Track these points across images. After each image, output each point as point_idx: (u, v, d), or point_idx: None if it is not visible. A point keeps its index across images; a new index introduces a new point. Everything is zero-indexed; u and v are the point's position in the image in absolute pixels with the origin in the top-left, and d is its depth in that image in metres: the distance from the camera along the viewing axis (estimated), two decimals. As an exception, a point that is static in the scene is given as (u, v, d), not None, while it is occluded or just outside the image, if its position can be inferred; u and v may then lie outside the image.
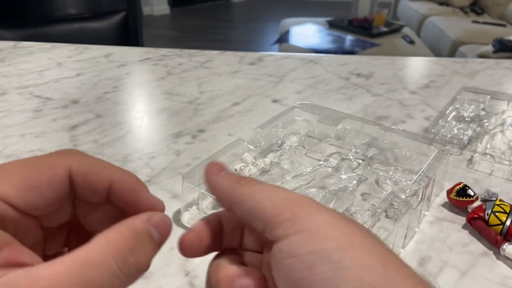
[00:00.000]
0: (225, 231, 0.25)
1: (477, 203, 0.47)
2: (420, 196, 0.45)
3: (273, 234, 0.21)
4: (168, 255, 0.41)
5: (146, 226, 0.21)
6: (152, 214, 0.22)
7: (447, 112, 0.69)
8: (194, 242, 0.24)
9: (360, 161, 0.56)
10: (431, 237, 0.46)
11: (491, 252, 0.44)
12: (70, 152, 0.23)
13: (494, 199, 0.47)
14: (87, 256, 0.18)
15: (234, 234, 0.26)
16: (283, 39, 3.27)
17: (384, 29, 3.37)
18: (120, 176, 0.23)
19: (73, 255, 0.18)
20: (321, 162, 0.55)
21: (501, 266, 0.42)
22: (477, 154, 0.59)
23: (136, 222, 0.21)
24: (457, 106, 0.71)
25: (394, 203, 0.44)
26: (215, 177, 0.24)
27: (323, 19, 3.60)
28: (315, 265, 0.19)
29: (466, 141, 0.62)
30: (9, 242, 0.19)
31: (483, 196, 0.48)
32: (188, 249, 0.24)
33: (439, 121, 0.66)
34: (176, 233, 0.49)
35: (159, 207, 0.23)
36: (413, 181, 0.47)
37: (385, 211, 0.43)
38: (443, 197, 0.51)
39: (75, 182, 0.22)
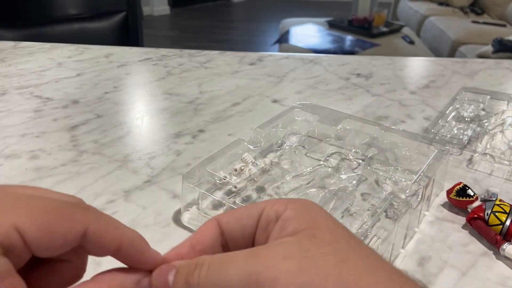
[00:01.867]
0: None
1: (477, 203, 0.47)
2: (420, 196, 0.45)
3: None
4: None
5: None
6: None
7: (447, 112, 0.69)
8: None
9: (360, 161, 0.56)
10: (431, 237, 0.46)
11: (491, 252, 0.44)
12: (87, 209, 0.23)
13: (494, 199, 0.47)
14: None
15: None
16: (283, 39, 3.27)
17: (384, 29, 3.36)
18: (130, 237, 0.23)
19: None
20: (321, 162, 0.55)
21: (501, 266, 0.42)
22: (477, 154, 0.59)
23: None
24: (457, 106, 0.71)
25: (394, 203, 0.44)
26: None
27: (323, 19, 3.59)
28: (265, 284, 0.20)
29: (466, 141, 0.62)
30: (11, 273, 0.20)
31: (483, 196, 0.48)
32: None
33: (439, 121, 0.66)
34: (176, 232, 0.48)
35: (161, 262, 0.24)
36: (413, 181, 0.47)
37: (385, 211, 0.43)
38: (443, 197, 0.51)
39: (87, 239, 0.22)
